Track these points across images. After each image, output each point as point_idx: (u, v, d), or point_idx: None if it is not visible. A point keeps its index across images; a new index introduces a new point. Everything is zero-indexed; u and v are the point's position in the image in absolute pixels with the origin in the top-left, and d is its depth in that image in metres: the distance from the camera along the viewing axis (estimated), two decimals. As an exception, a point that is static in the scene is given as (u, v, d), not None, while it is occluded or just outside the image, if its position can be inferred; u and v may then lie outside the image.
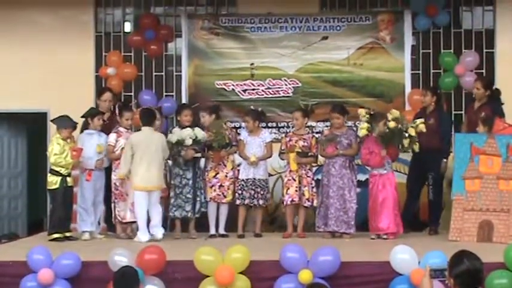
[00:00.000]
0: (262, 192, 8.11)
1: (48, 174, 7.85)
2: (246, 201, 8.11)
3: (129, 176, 7.74)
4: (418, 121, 7.85)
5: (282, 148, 8.22)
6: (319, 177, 8.20)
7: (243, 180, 8.15)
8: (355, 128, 8.48)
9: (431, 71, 9.99)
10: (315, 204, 8.06)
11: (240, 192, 8.13)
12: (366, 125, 7.86)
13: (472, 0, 10.06)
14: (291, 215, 8.11)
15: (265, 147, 8.21)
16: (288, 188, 8.02)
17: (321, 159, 8.29)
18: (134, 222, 7.95)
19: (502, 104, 8.21)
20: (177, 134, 8.00)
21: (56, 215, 7.82)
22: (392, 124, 7.73)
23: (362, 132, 7.87)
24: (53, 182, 7.74)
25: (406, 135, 7.72)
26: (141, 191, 7.63)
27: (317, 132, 9.20)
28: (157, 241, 7.36)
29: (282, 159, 8.36)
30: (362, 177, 8.47)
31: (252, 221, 8.40)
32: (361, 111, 8.07)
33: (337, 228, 7.91)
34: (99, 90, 8.93)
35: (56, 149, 7.68)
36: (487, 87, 8.20)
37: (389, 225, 7.75)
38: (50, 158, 7.76)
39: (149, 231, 7.64)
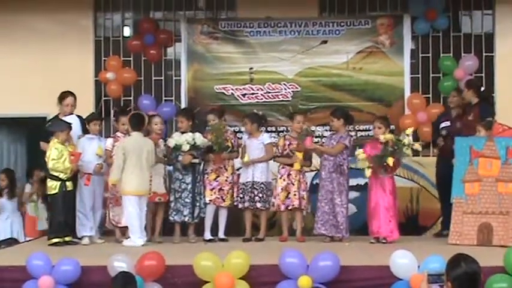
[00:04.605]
0: (260, 195, 8.08)
1: (48, 179, 7.84)
2: (246, 205, 8.10)
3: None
4: (416, 144, 7.83)
5: (280, 152, 8.20)
6: (318, 181, 8.20)
7: (243, 183, 8.15)
8: (352, 133, 8.44)
9: (431, 75, 10.00)
10: (307, 208, 8.11)
11: (241, 196, 8.14)
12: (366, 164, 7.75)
13: (472, 4, 10.07)
14: (287, 218, 8.14)
15: (264, 148, 8.18)
16: (289, 193, 8.02)
17: (315, 164, 8.27)
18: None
19: (492, 105, 8.22)
20: (175, 138, 8.01)
21: (56, 220, 7.81)
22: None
23: (361, 163, 7.80)
24: (52, 186, 7.72)
25: (406, 152, 7.71)
26: (133, 196, 7.63)
27: (316, 137, 9.19)
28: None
29: (279, 163, 8.24)
30: (362, 181, 8.46)
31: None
32: (360, 153, 7.79)
33: (325, 232, 7.87)
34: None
35: (54, 154, 7.64)
36: (469, 86, 8.23)
37: (381, 230, 7.70)
38: (47, 163, 7.75)
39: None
